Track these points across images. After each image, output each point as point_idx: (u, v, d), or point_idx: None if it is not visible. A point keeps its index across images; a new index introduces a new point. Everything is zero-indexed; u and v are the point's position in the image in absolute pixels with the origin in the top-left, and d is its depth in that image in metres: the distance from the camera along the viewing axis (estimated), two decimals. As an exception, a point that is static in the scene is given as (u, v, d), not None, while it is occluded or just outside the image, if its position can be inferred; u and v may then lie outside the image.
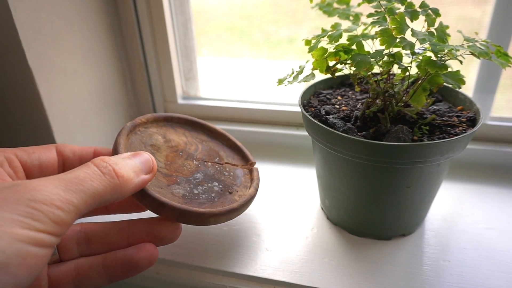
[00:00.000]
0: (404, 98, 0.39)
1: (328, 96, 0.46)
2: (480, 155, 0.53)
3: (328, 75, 0.40)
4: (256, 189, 0.43)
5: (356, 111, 0.41)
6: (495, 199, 0.48)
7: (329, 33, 0.38)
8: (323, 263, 0.40)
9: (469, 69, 0.53)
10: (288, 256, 0.41)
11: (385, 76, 0.40)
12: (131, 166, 0.32)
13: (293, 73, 0.41)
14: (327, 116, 0.40)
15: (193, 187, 0.41)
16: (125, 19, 0.58)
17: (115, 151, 0.37)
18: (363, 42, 0.37)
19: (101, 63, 0.56)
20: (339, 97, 0.46)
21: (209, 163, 0.45)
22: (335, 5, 0.43)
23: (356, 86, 0.43)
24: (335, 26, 0.39)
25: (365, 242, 0.43)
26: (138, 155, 0.34)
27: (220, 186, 0.43)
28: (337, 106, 0.43)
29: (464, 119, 0.40)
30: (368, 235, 0.43)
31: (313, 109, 0.43)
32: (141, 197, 0.35)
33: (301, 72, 0.40)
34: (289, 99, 0.62)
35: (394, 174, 0.37)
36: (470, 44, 0.35)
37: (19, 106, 0.47)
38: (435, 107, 0.43)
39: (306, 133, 0.54)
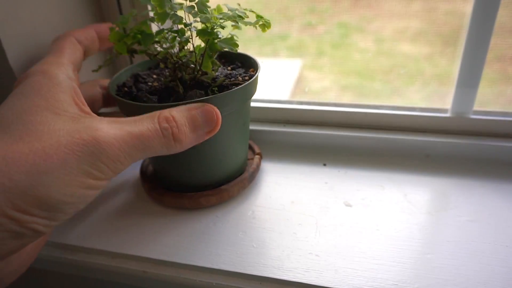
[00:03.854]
0: (198, 67, 0.44)
1: (144, 76, 0.49)
2: (464, 149, 0.54)
3: (147, 59, 0.49)
4: (250, 173, 0.50)
5: (163, 86, 0.46)
6: (478, 192, 0.49)
7: (121, 19, 0.43)
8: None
9: (453, 64, 0.53)
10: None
11: (183, 52, 0.44)
12: (193, 126, 0.35)
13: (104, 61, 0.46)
14: (137, 93, 0.44)
15: None
16: (108, 17, 0.58)
17: None
18: (154, 24, 0.42)
19: (86, 63, 0.55)
20: (154, 76, 0.50)
21: None
22: None
23: (160, 64, 0.49)
24: (131, 14, 0.44)
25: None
26: (203, 110, 0.36)
27: None
28: (150, 84, 0.47)
29: (247, 78, 0.45)
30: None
31: (126, 89, 0.46)
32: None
33: (110, 58, 0.46)
34: (276, 96, 0.62)
35: None
36: (230, 13, 0.40)
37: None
38: (228, 72, 0.48)
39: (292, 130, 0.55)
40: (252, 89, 0.45)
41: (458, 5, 0.50)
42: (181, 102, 0.38)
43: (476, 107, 0.54)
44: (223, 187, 0.48)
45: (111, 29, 0.43)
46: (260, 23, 0.42)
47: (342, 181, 0.53)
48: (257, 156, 0.54)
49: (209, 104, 0.37)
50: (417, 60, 0.56)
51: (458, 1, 0.51)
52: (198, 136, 0.36)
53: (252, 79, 0.44)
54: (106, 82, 0.48)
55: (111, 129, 0.29)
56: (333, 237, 0.43)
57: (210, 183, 0.48)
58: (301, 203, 0.49)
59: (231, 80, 0.46)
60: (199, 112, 0.36)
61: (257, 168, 0.53)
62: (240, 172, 0.51)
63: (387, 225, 0.45)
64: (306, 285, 0.38)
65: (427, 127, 0.56)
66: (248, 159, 0.55)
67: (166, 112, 0.34)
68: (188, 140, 0.34)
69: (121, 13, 0.58)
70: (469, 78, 0.52)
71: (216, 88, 0.43)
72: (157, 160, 0.49)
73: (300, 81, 0.62)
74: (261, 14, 0.43)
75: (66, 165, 0.26)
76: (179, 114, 0.34)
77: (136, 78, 0.49)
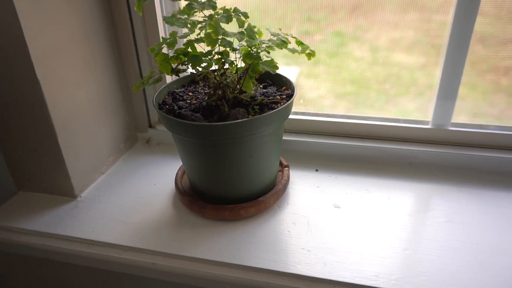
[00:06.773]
0: (238, 86, 0.47)
1: (180, 94, 0.53)
2: (443, 157, 0.59)
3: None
4: (283, 184, 0.54)
5: (204, 103, 0.49)
6: (455, 196, 0.54)
7: (167, 40, 0.45)
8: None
9: (434, 78, 0.58)
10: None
11: (222, 71, 0.48)
12: None
13: (144, 78, 0.47)
14: (180, 111, 0.47)
15: None
16: (121, 32, 0.62)
17: None
18: (200, 45, 0.45)
19: (100, 73, 0.60)
20: (190, 93, 0.53)
21: None
22: (178, 15, 0.47)
23: (200, 82, 0.52)
24: (173, 34, 0.45)
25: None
26: None
27: None
28: (189, 101, 0.51)
29: (284, 96, 0.50)
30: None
31: (167, 106, 0.50)
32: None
33: (150, 76, 0.47)
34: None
35: (237, 147, 0.46)
36: (274, 38, 0.44)
37: (28, 115, 0.51)
38: (264, 90, 0.52)
39: (287, 138, 0.60)
40: (291, 107, 0.49)
41: (452, 16, 0.52)
42: (226, 123, 0.42)
43: (467, 119, 0.59)
44: (260, 198, 0.51)
45: (156, 50, 0.44)
46: (307, 51, 0.44)
47: (333, 185, 0.58)
48: (286, 168, 0.58)
49: None
50: (410, 70, 0.59)
51: (452, 12, 0.52)
52: None
53: (293, 98, 0.48)
54: None
55: None
56: (323, 234, 0.48)
57: (248, 195, 0.51)
58: (295, 204, 0.54)
59: (270, 98, 0.49)
60: None
61: (288, 180, 0.56)
62: (273, 183, 0.54)
63: (371, 224, 0.50)
64: (298, 276, 0.43)
65: (410, 137, 0.61)
66: (279, 171, 0.58)
67: None
68: None
69: (129, 12, 0.61)
70: (448, 91, 0.56)
71: (258, 107, 0.47)
72: (199, 177, 0.51)
73: (297, 89, 0.65)
74: (257, 25, 0.45)
75: None
76: None
77: (173, 95, 0.52)
